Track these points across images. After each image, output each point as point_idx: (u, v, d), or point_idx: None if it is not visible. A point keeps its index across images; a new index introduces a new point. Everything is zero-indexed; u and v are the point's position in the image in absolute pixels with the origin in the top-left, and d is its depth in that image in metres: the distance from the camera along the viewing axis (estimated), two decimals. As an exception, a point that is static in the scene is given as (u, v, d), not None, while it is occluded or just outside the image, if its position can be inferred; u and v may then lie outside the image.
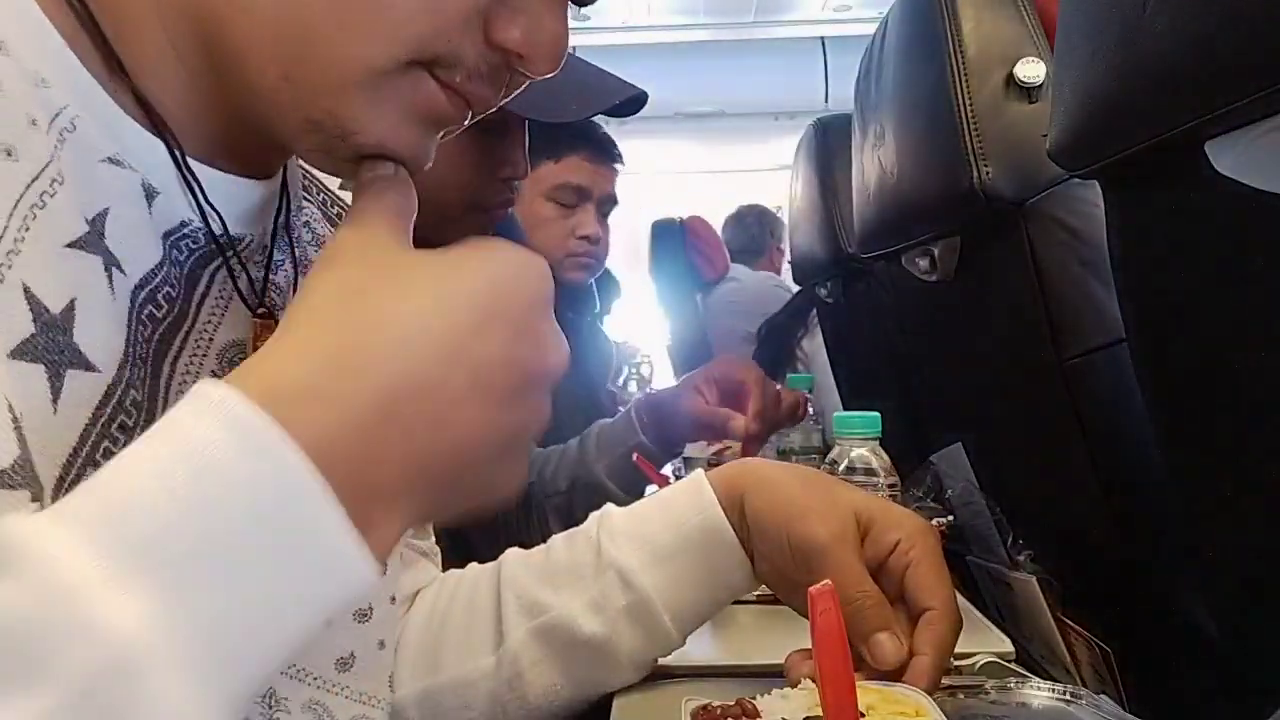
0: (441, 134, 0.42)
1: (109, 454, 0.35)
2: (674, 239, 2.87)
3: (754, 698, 0.52)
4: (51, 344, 0.33)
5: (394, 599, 0.54)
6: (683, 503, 0.62)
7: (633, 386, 3.34)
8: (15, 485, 0.31)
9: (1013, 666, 0.69)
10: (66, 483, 0.34)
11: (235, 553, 0.28)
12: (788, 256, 2.26)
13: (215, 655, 0.27)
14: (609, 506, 0.65)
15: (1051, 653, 0.83)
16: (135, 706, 0.24)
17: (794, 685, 0.55)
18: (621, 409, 1.35)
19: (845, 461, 0.78)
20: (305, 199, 0.50)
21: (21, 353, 0.32)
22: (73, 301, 0.34)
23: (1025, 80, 0.77)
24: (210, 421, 0.28)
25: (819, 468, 0.83)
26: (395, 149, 0.40)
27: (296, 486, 0.29)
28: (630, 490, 1.12)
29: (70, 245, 0.34)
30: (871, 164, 1.01)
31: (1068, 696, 0.57)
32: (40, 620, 0.24)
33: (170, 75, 0.39)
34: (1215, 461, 0.57)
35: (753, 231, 2.99)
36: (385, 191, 0.39)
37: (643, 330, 3.86)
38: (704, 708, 0.52)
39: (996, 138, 0.77)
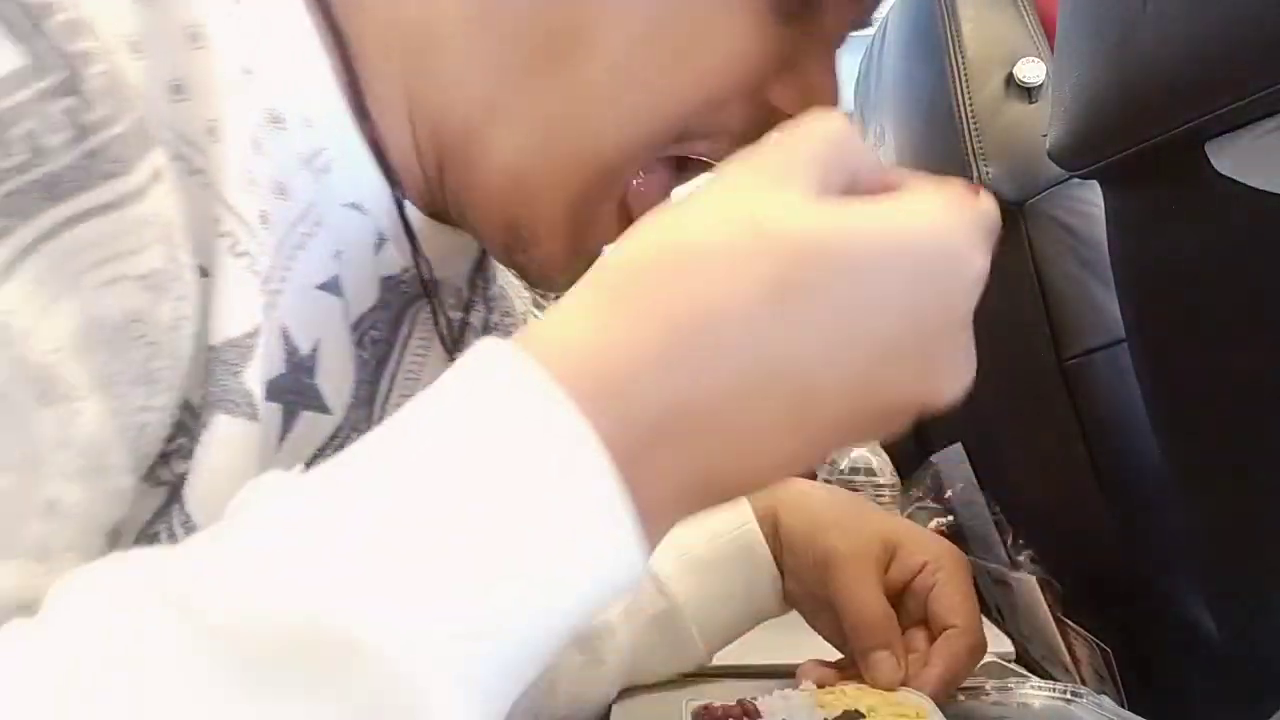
0: None
1: None
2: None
3: (755, 698, 0.52)
4: (295, 384, 0.34)
5: None
6: (722, 516, 0.62)
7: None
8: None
9: (1013, 666, 0.69)
10: None
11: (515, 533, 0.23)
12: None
13: (489, 662, 0.23)
14: None
15: (1051, 653, 0.83)
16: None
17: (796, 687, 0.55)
18: None
19: (845, 461, 0.78)
20: None
21: (268, 391, 0.33)
22: (318, 343, 0.35)
23: (1025, 80, 0.77)
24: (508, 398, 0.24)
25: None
26: (557, 272, 0.40)
27: (588, 470, 0.24)
28: None
29: (320, 287, 0.35)
30: (871, 164, 1.01)
31: (1068, 696, 0.57)
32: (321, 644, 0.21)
33: (403, 148, 0.39)
34: (1215, 462, 0.57)
35: None
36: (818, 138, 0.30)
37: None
38: (705, 708, 0.52)
39: (996, 138, 0.77)
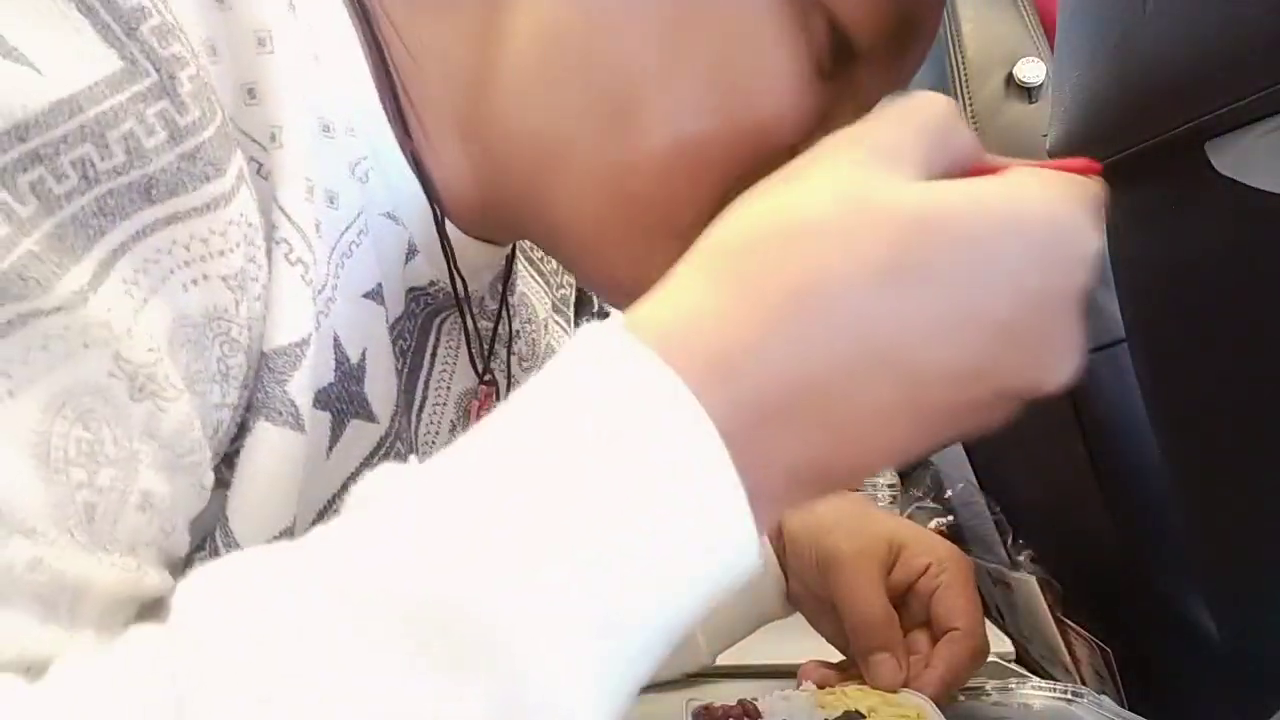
0: None
1: None
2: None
3: (755, 699, 0.52)
4: (345, 393, 0.34)
5: None
6: None
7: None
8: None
9: (1013, 666, 0.69)
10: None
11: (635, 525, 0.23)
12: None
13: (615, 651, 0.23)
14: None
15: (1051, 653, 0.83)
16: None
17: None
18: None
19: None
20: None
21: (317, 400, 0.33)
22: (364, 352, 0.35)
23: (1025, 80, 0.77)
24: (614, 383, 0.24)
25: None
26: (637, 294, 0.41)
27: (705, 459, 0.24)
28: None
29: (366, 295, 0.35)
30: (871, 164, 1.01)
31: (1069, 696, 0.57)
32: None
33: (456, 173, 0.39)
34: (1215, 461, 0.57)
35: None
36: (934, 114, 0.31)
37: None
38: (705, 708, 0.52)
39: (996, 138, 0.77)
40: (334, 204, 0.34)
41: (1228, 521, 0.56)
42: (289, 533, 0.32)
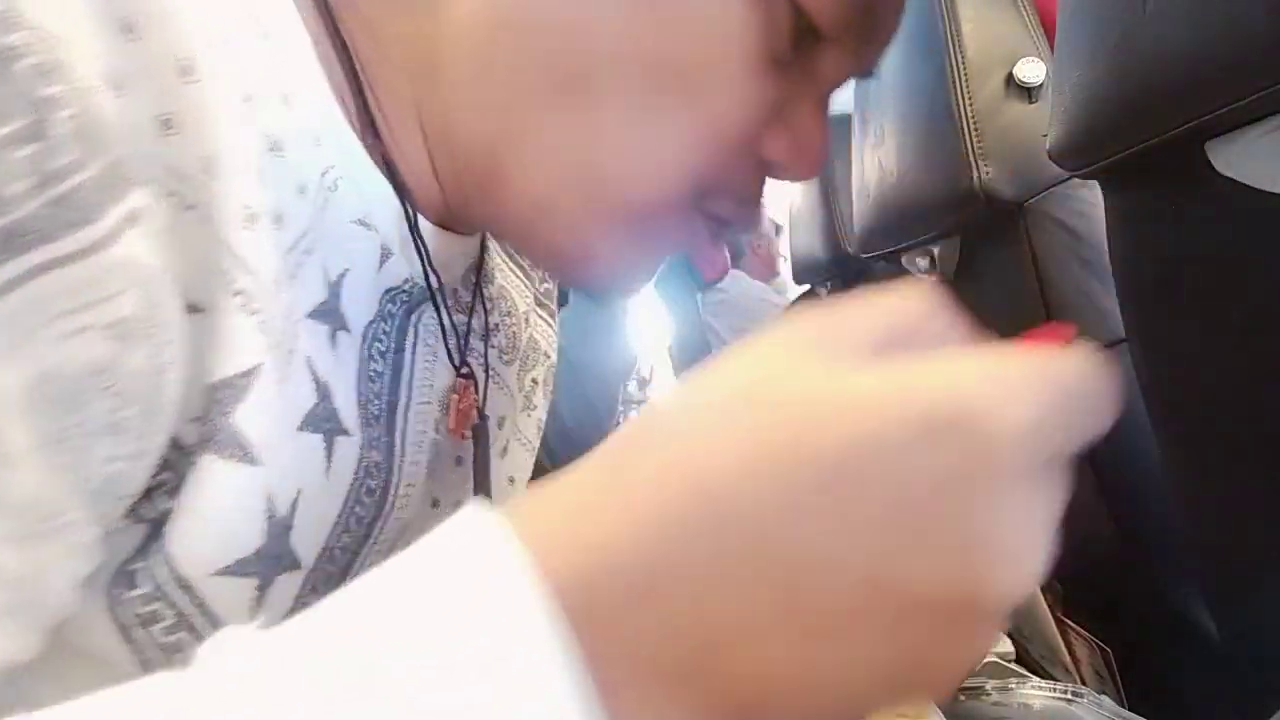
0: None
1: (358, 520, 0.36)
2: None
3: None
4: (327, 412, 0.34)
5: None
6: None
7: (633, 387, 3.34)
8: (288, 567, 0.31)
9: (1013, 666, 0.69)
10: (324, 555, 0.34)
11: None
12: (785, 256, 2.25)
13: None
14: None
15: (1051, 653, 0.83)
16: None
17: None
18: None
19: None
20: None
21: (307, 424, 0.33)
22: (326, 369, 0.34)
23: (1025, 80, 0.77)
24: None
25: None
26: (624, 282, 0.40)
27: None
28: None
29: (310, 315, 0.34)
30: (871, 164, 1.01)
31: (1069, 696, 0.57)
32: None
33: (417, 162, 0.38)
34: (1215, 461, 0.57)
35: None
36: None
37: (643, 330, 3.86)
38: None
39: (996, 138, 0.77)
40: (280, 224, 0.32)
41: (1228, 522, 0.56)
42: (248, 560, 0.31)
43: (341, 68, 0.36)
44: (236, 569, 0.30)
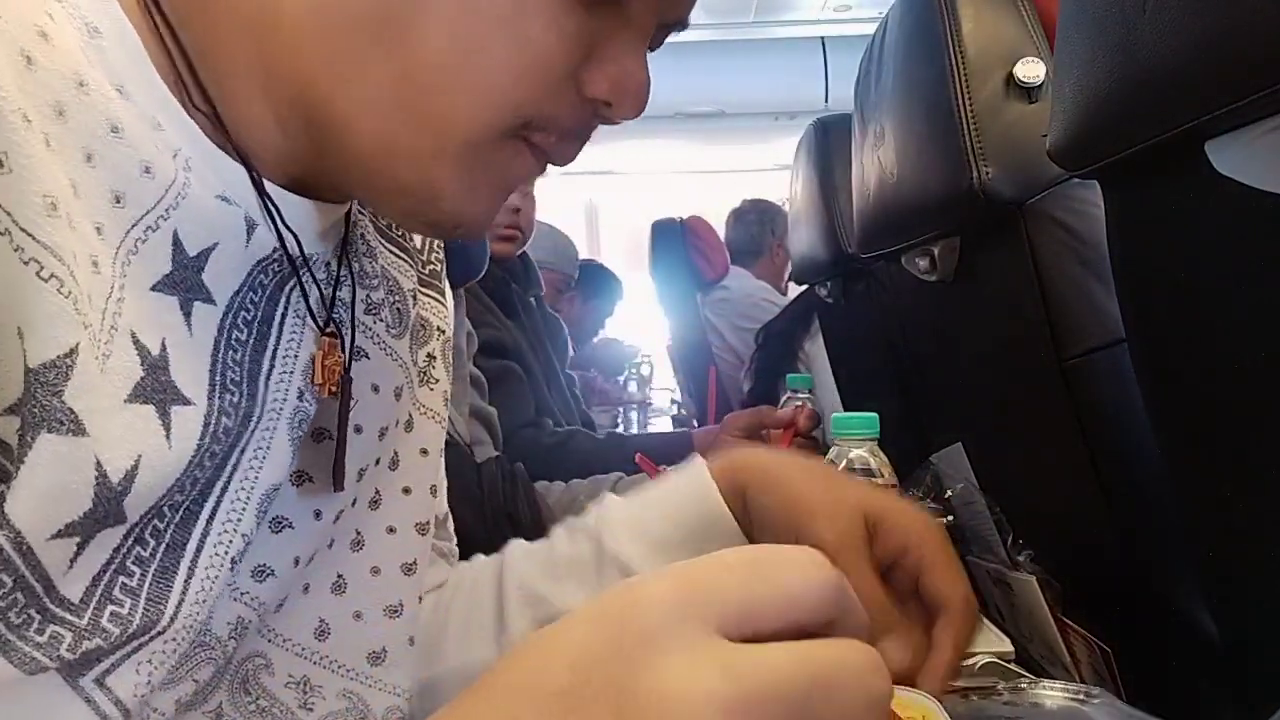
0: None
1: (194, 480, 0.37)
2: (674, 239, 2.87)
3: None
4: (157, 384, 0.35)
5: (420, 599, 0.55)
6: (684, 492, 0.62)
7: (633, 387, 3.35)
8: (108, 524, 0.33)
9: (1013, 667, 0.69)
10: (151, 512, 0.35)
11: None
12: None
13: None
14: (608, 496, 0.65)
15: (1051, 653, 0.83)
16: None
17: None
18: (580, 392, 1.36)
19: (844, 462, 0.78)
20: (359, 212, 0.52)
21: (136, 396, 0.34)
22: (163, 340, 0.36)
23: (1025, 80, 0.77)
24: None
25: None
26: (474, 215, 0.41)
27: None
28: None
29: (153, 288, 0.36)
30: (871, 164, 1.01)
31: (1081, 696, 0.57)
32: None
33: (264, 126, 0.40)
34: (1215, 462, 0.57)
35: (752, 231, 2.93)
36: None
37: (643, 330, 3.86)
38: None
39: (996, 138, 0.77)
40: (120, 203, 0.34)
41: (1228, 522, 0.56)
42: (75, 524, 0.32)
43: (171, 52, 0.38)
44: (65, 531, 0.32)
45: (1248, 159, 0.44)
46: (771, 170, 4.60)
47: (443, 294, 0.59)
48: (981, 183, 0.76)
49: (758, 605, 0.27)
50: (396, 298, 0.52)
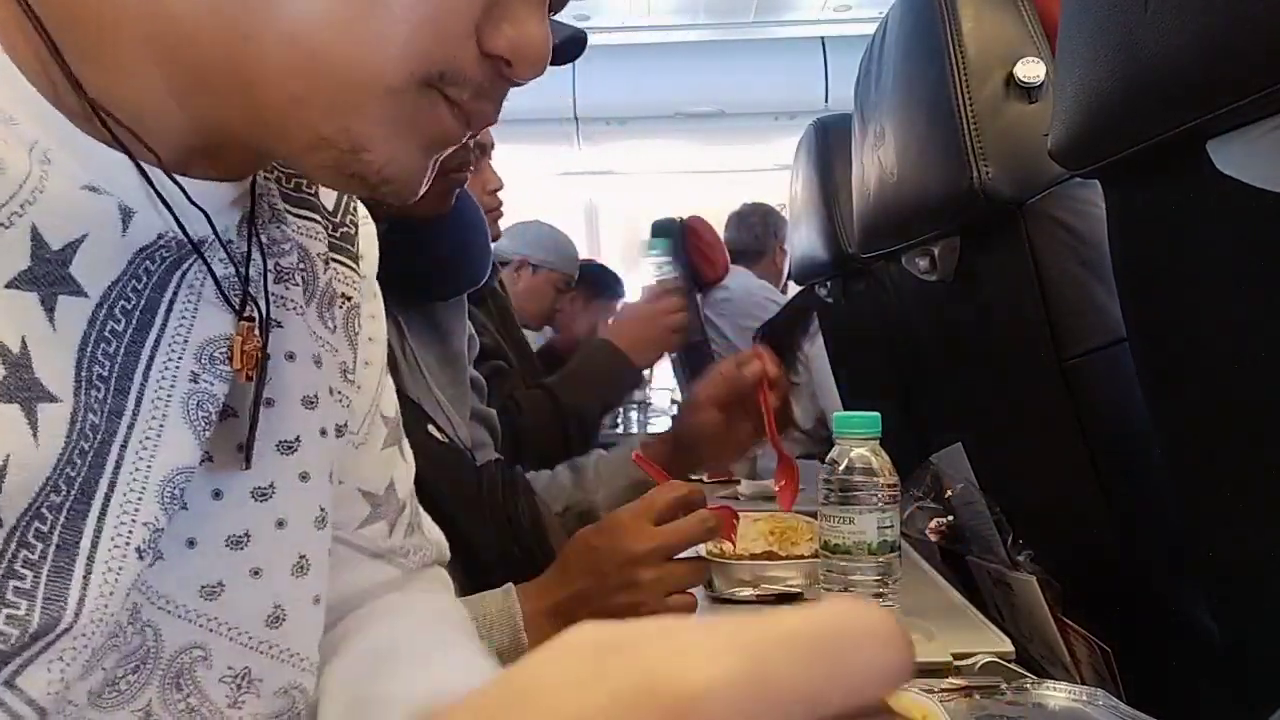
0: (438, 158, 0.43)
1: (69, 480, 0.37)
2: (674, 239, 2.87)
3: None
4: (20, 382, 0.35)
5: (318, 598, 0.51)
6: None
7: (632, 387, 3.34)
8: None
9: (1013, 667, 0.69)
10: (29, 514, 0.35)
11: None
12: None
13: None
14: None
15: (1051, 652, 0.83)
16: None
17: None
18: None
19: (845, 461, 0.78)
20: (265, 178, 0.51)
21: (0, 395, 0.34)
22: (24, 339, 0.35)
23: (1025, 80, 0.77)
24: None
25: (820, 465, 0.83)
26: (400, 169, 0.41)
27: None
28: None
29: (8, 285, 0.35)
30: (871, 164, 1.01)
31: (1084, 697, 0.57)
32: None
33: (151, 100, 0.40)
34: (1215, 461, 0.57)
35: (756, 232, 2.94)
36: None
37: (642, 330, 3.85)
38: None
39: (996, 138, 0.77)
40: None
41: (1227, 522, 0.56)
42: None
43: (31, 41, 0.37)
44: None
45: (1249, 158, 0.44)
46: (771, 170, 4.59)
47: (355, 259, 0.57)
48: (981, 183, 0.76)
49: (824, 696, 0.21)
50: (305, 265, 0.51)
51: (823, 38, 4.34)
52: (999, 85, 0.78)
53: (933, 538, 1.04)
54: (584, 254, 3.04)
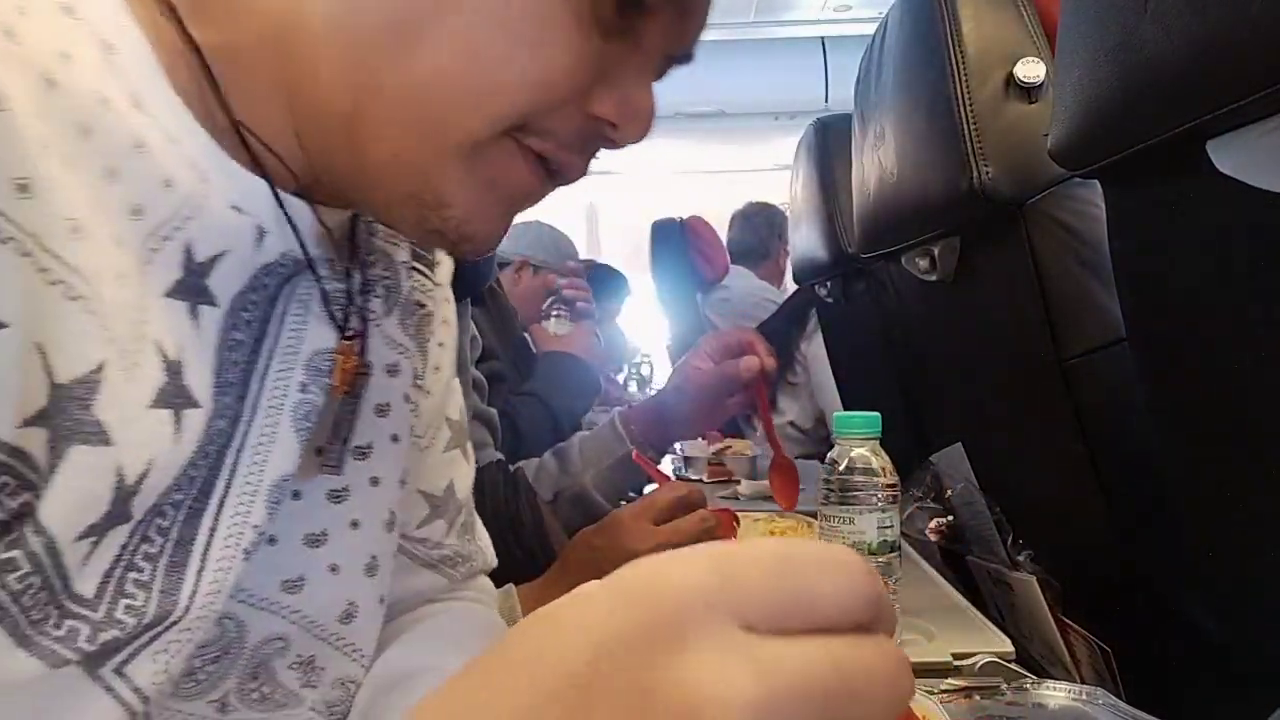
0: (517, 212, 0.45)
1: (191, 480, 0.39)
2: (674, 239, 2.87)
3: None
4: (176, 389, 0.37)
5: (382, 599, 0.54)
6: None
7: (633, 387, 3.35)
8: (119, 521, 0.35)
9: (1013, 667, 0.69)
10: (154, 510, 0.37)
11: None
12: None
13: None
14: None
15: (1051, 652, 0.83)
16: None
17: None
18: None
19: (845, 461, 0.78)
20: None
21: (158, 402, 0.36)
22: (179, 345, 0.38)
23: (1025, 80, 0.77)
24: None
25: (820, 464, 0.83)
26: (478, 226, 0.42)
27: None
28: (618, 499, 1.11)
29: (167, 295, 0.37)
30: (871, 164, 1.01)
31: (1084, 697, 0.57)
32: None
33: (282, 138, 0.42)
34: (1215, 461, 0.57)
35: (761, 234, 2.92)
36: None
37: (643, 330, 3.86)
38: None
39: (996, 138, 0.77)
40: (139, 215, 0.36)
41: (1227, 521, 0.56)
42: (100, 521, 0.34)
43: (189, 67, 0.39)
44: (87, 533, 0.34)
45: (1249, 158, 0.44)
46: (771, 170, 4.60)
47: (431, 266, 0.59)
48: (981, 183, 0.76)
49: (788, 604, 0.25)
50: (389, 274, 0.53)
51: (823, 38, 4.34)
52: (999, 85, 0.78)
53: (933, 538, 1.04)
54: (584, 254, 3.04)
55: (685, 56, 0.45)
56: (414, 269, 0.56)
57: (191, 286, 0.38)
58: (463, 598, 0.65)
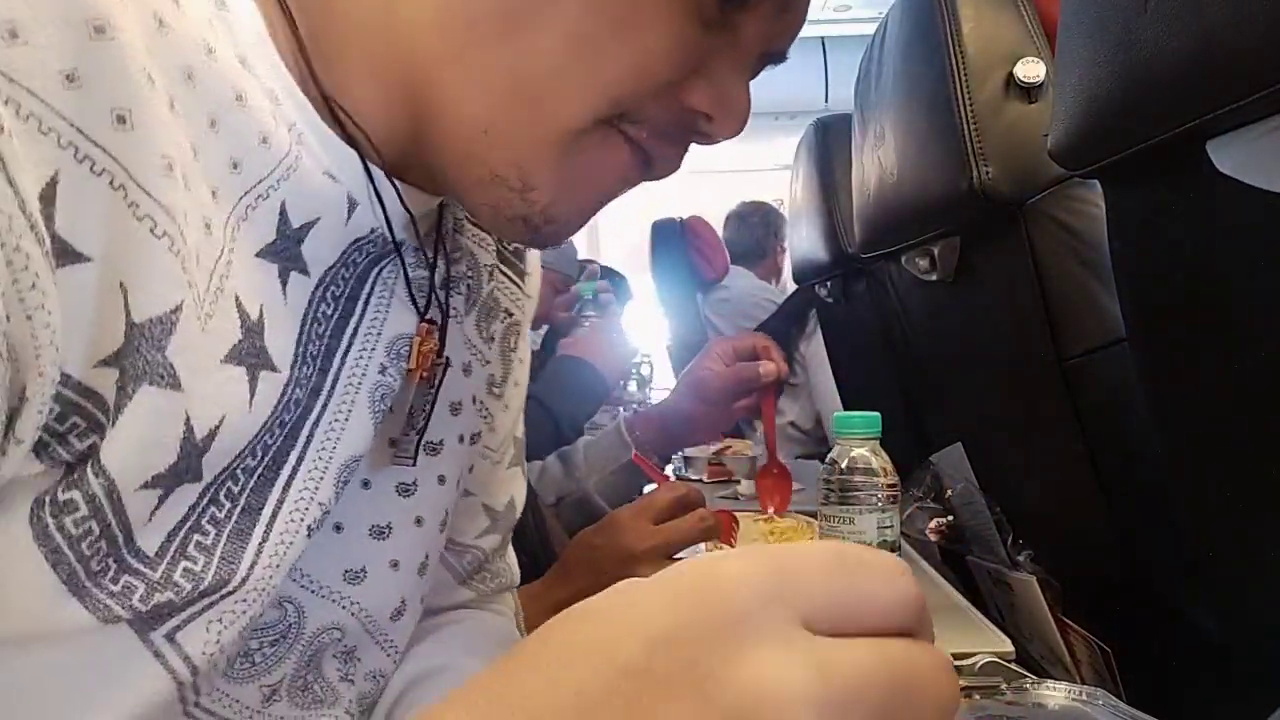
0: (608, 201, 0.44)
1: (265, 447, 0.38)
2: (674, 239, 2.86)
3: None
4: (252, 348, 0.36)
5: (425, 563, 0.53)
6: None
7: (633, 387, 3.34)
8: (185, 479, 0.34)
9: (1013, 667, 0.69)
10: (225, 473, 0.36)
11: None
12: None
13: None
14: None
15: (1051, 653, 0.83)
16: None
17: None
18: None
19: (845, 461, 0.78)
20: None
21: (231, 357, 0.35)
22: (262, 306, 0.37)
23: (1025, 80, 0.77)
24: None
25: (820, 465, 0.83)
26: (564, 210, 0.42)
27: None
28: (621, 503, 1.11)
29: (258, 254, 0.37)
30: (871, 164, 1.01)
31: (1084, 697, 0.57)
32: None
33: (371, 110, 0.41)
34: (1215, 461, 0.57)
35: (757, 234, 2.92)
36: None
37: (643, 330, 3.86)
38: None
39: (996, 138, 0.77)
40: (238, 170, 0.36)
41: (1227, 521, 0.56)
42: (165, 473, 0.33)
43: (287, 38, 0.39)
44: (151, 483, 0.33)
45: (1249, 158, 0.44)
46: (771, 170, 4.59)
47: (522, 276, 0.59)
48: (981, 183, 0.76)
49: (847, 605, 0.25)
50: (473, 274, 0.53)
51: (823, 38, 4.33)
52: (999, 85, 0.78)
53: (933, 538, 1.04)
54: (584, 254, 3.04)
55: (780, 55, 0.45)
56: (503, 274, 0.56)
57: (284, 251, 0.38)
58: (487, 608, 0.65)
